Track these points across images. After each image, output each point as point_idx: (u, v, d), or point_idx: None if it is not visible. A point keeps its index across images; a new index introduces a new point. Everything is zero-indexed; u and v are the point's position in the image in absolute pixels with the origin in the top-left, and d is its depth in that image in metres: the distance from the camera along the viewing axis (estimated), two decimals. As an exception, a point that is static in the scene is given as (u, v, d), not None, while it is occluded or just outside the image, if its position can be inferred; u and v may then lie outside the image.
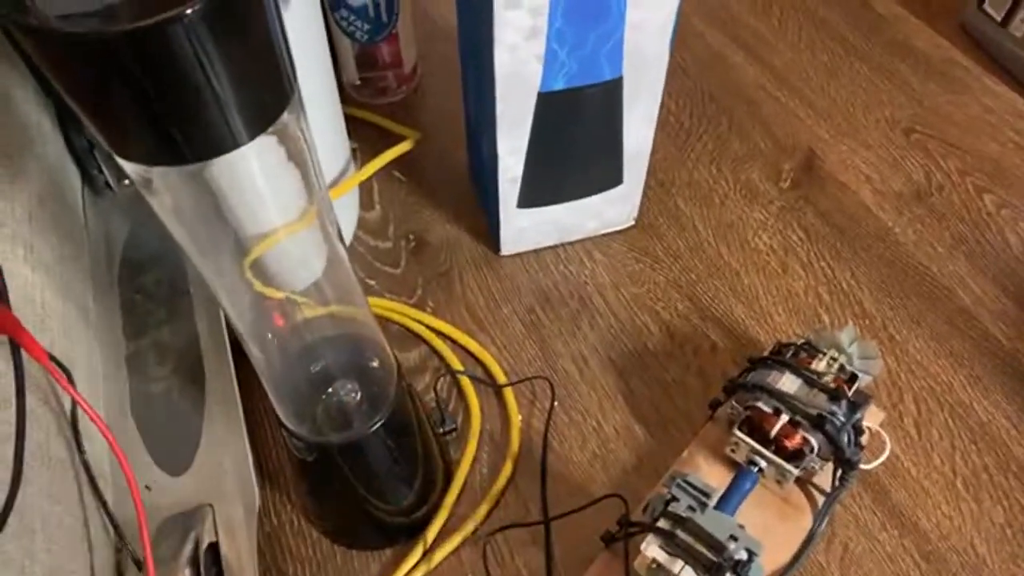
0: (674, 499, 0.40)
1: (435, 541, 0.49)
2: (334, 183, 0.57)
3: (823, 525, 0.47)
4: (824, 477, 0.48)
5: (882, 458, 0.50)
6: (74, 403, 0.40)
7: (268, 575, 0.48)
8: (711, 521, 0.39)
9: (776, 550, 0.46)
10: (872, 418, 0.52)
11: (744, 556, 0.38)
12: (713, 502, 0.40)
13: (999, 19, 0.72)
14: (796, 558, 0.45)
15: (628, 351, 0.57)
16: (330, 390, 0.43)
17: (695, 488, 0.40)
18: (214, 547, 0.44)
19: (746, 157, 0.69)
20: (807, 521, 0.47)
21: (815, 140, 0.70)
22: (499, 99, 0.49)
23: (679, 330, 0.58)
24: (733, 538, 0.38)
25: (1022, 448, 0.52)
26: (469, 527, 0.49)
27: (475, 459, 0.52)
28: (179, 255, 0.54)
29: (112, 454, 0.42)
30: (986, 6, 0.73)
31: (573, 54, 0.47)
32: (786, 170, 0.68)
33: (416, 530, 0.49)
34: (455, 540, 0.49)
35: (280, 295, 0.39)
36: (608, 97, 0.51)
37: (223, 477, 0.47)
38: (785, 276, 0.61)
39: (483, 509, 0.50)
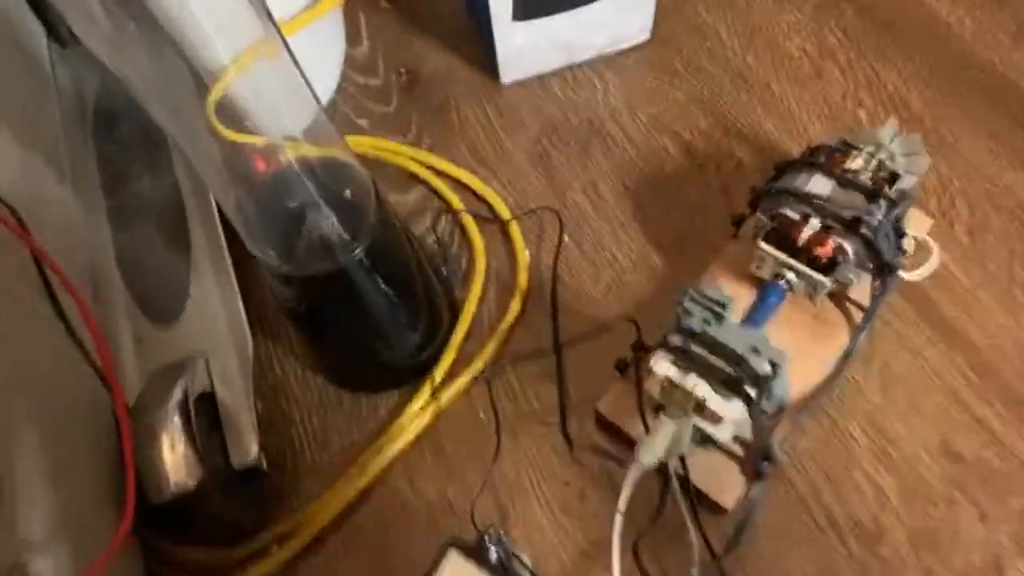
0: (687, 313, 0.36)
1: (443, 381, 0.46)
2: (309, 5, 0.52)
3: (861, 340, 0.42)
4: (861, 290, 0.43)
5: (930, 266, 0.44)
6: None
7: (274, 422, 0.47)
8: (729, 333, 0.35)
9: (810, 371, 0.42)
10: (918, 225, 0.46)
11: (768, 370, 0.34)
12: (730, 312, 0.36)
13: None
14: (833, 376, 0.42)
15: (645, 176, 0.52)
16: (307, 224, 0.39)
17: (709, 299, 0.36)
18: (208, 395, 0.42)
19: (776, -47, 0.60)
20: (843, 339, 0.43)
21: (858, -74, 0.61)
22: None
23: (700, 149, 0.53)
24: (755, 351, 0.35)
25: (1092, 250, 0.46)
26: (478, 365, 0.46)
27: (482, 298, 0.49)
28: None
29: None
30: None
31: None
32: (823, -37, 0.59)
33: (423, 371, 0.47)
34: (464, 378, 0.46)
35: (246, 138, 0.35)
36: None
37: (214, 327, 0.45)
38: (821, 82, 0.54)
39: (491, 346, 0.47)
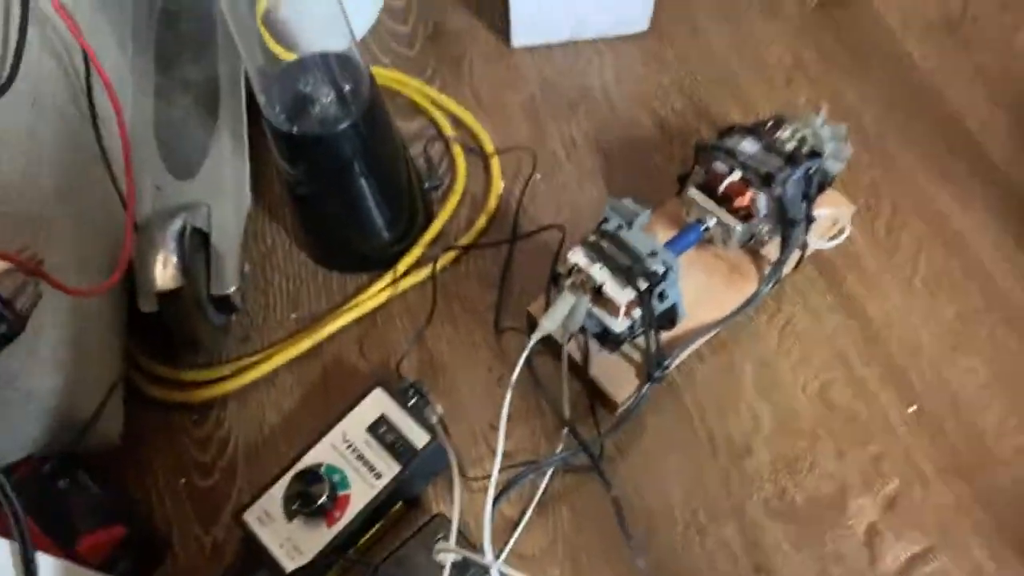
0: (606, 219, 0.43)
1: (406, 272, 0.53)
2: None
3: (768, 287, 0.48)
4: (773, 250, 0.49)
5: (839, 240, 0.51)
6: (88, 79, 0.45)
7: (256, 281, 0.54)
8: (635, 237, 0.42)
9: (717, 308, 0.48)
10: (842, 209, 0.52)
11: (660, 270, 0.41)
12: (640, 221, 0.42)
13: None
14: (735, 312, 0.48)
15: (618, 140, 0.59)
16: (314, 103, 0.47)
17: (625, 209, 0.42)
18: (204, 235, 0.50)
19: (777, -23, 0.68)
20: (752, 289, 0.49)
21: (854, -33, 0.68)
22: None
23: (672, 125, 0.60)
24: (653, 254, 0.41)
25: (992, 259, 0.52)
26: (439, 264, 0.53)
27: (455, 213, 0.56)
28: (209, 8, 0.60)
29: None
30: None
31: None
32: (815, -9, 0.67)
33: (392, 262, 0.54)
34: (423, 273, 0.53)
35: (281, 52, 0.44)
36: None
37: (222, 186, 0.52)
38: (788, 88, 0.61)
39: (453, 252, 0.54)
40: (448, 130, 0.60)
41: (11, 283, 0.29)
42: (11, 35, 0.39)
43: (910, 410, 0.47)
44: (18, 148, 0.40)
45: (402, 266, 0.53)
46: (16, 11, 0.38)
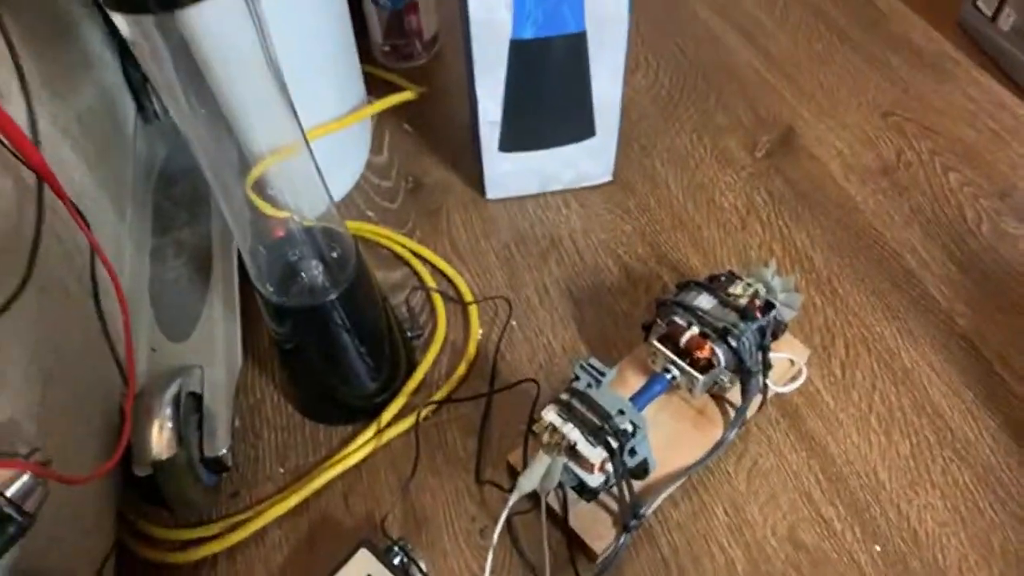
0: (576, 378, 0.46)
1: (389, 423, 0.56)
2: (343, 117, 0.66)
3: (733, 433, 0.51)
4: (737, 394, 0.53)
5: (796, 383, 0.54)
6: (92, 257, 0.49)
7: (246, 435, 0.56)
8: (604, 396, 0.45)
9: (687, 453, 0.51)
10: (798, 353, 0.56)
11: (629, 428, 0.44)
12: (609, 381, 0.45)
13: (989, 15, 0.75)
14: (704, 458, 0.50)
15: (587, 286, 0.63)
16: (302, 274, 0.51)
17: (593, 368, 0.46)
18: (198, 397, 0.52)
19: (727, 129, 0.74)
20: (719, 432, 0.52)
21: (796, 118, 0.75)
22: (474, 44, 0.57)
23: (636, 271, 0.64)
24: (621, 412, 0.44)
25: (940, 393, 0.55)
26: (421, 414, 0.56)
27: (435, 361, 0.59)
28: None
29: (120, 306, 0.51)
30: (979, 2, 0.76)
31: (539, 5, 0.55)
32: (763, 142, 0.73)
33: (376, 413, 0.56)
34: (406, 423, 0.55)
35: (272, 211, 0.48)
36: (574, 49, 0.58)
37: (214, 347, 0.55)
38: (743, 232, 0.66)
39: (433, 405, 0.57)
40: (429, 280, 0.64)
41: (21, 487, 0.31)
42: (25, 232, 0.43)
43: (876, 549, 0.49)
44: (26, 339, 0.42)
45: (386, 416, 0.56)
46: (31, 212, 0.42)
